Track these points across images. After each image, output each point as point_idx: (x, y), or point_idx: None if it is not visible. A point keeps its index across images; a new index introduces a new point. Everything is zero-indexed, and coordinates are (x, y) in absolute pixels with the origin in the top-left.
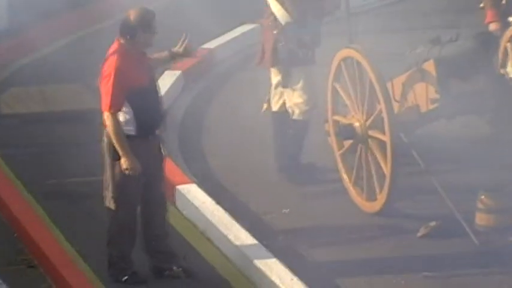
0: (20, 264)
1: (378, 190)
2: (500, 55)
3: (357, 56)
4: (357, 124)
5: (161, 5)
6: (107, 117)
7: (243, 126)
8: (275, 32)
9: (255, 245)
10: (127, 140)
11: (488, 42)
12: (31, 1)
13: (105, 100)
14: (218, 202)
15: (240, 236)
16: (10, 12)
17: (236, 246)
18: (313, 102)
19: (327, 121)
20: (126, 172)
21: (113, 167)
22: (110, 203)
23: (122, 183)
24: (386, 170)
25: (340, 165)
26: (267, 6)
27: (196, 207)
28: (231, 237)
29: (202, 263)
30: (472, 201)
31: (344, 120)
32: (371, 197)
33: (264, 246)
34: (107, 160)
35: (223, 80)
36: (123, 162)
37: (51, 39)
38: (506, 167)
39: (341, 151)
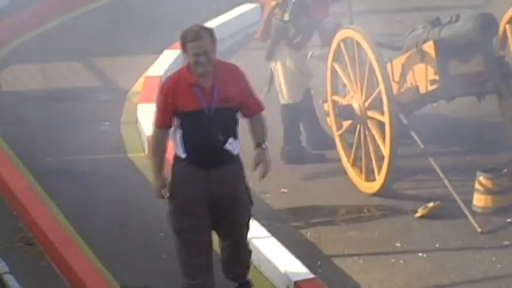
0: (19, 242)
1: (376, 171)
2: (499, 36)
3: (357, 36)
4: (356, 105)
5: None
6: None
7: None
8: (273, 3)
9: (253, 224)
10: (178, 163)
11: (488, 23)
12: None
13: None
14: None
15: None
16: None
17: None
18: (304, 86)
19: (326, 101)
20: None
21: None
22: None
23: (171, 210)
24: (385, 150)
25: (339, 146)
26: None
27: None
28: None
29: None
30: (470, 183)
31: (343, 101)
32: (369, 177)
33: (262, 225)
34: None
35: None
36: (153, 181)
37: (51, 16)
38: (505, 148)
39: (340, 131)
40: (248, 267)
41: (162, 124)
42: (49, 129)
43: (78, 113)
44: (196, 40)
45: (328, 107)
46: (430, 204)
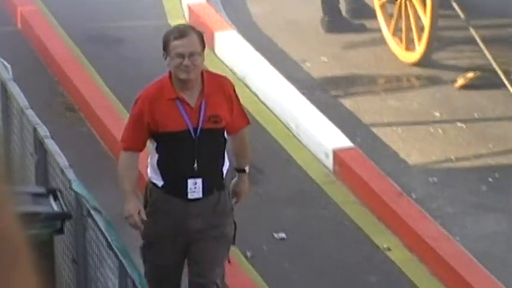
0: (59, 107)
1: (416, 41)
2: None
3: None
4: None
5: None
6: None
7: None
8: None
9: (293, 92)
10: (155, 191)
11: None
12: None
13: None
14: (257, 49)
15: (278, 83)
16: None
17: (273, 94)
18: None
19: None
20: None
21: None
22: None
23: (144, 240)
24: (426, 20)
25: (380, 15)
26: None
27: (236, 54)
28: (269, 84)
29: None
30: (510, 53)
31: None
32: (410, 47)
33: (302, 94)
34: None
35: None
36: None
37: None
38: None
39: (381, 1)
40: None
41: (132, 147)
42: None
43: None
44: (183, 37)
45: None
46: (470, 74)
